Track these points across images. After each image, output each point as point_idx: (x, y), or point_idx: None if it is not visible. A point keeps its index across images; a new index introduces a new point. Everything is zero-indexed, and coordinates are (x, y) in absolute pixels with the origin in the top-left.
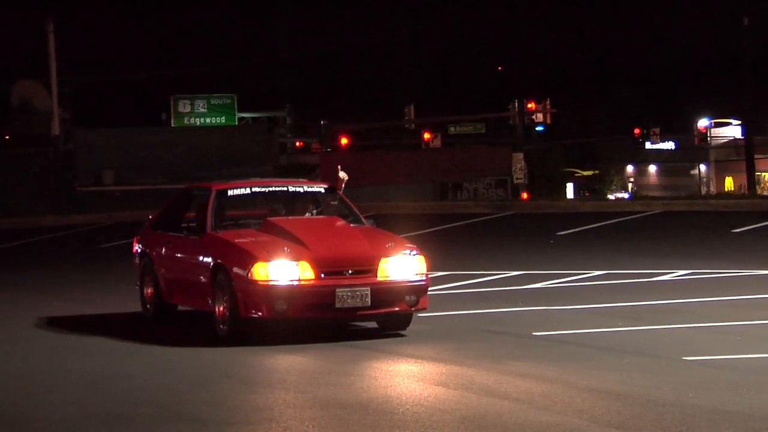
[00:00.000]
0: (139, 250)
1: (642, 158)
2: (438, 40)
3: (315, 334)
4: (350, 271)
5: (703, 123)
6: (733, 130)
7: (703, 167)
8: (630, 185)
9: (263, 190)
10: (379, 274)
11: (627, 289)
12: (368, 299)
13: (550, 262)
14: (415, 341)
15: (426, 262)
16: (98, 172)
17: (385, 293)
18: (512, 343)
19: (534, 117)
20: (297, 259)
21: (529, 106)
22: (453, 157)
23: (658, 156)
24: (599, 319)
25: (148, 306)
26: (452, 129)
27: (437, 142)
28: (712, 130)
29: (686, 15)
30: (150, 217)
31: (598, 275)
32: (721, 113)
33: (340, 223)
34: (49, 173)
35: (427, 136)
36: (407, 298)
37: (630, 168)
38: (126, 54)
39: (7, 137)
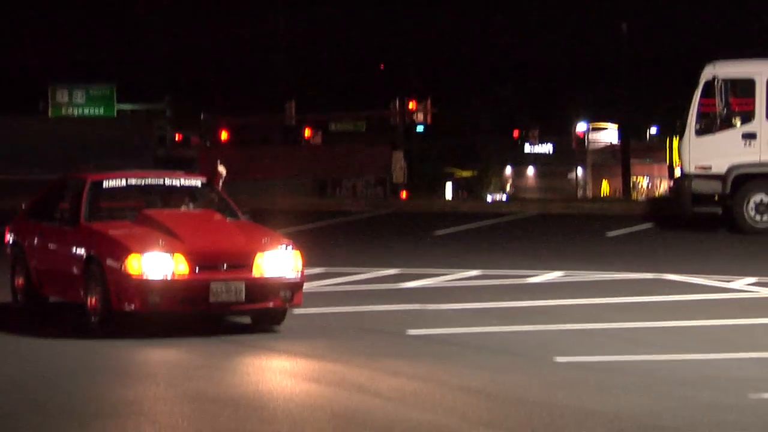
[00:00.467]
0: (10, 240)
1: (520, 160)
2: (318, 35)
3: (188, 328)
4: (225, 266)
5: (581, 127)
6: (610, 135)
7: (580, 170)
8: (508, 186)
9: (139, 182)
10: (254, 270)
11: (501, 289)
12: (243, 294)
13: (426, 261)
14: (288, 337)
15: (302, 258)
16: None
17: (260, 288)
18: (386, 340)
19: (415, 116)
20: (171, 252)
21: (410, 105)
22: (333, 154)
23: (536, 158)
24: (473, 318)
25: (19, 297)
26: (333, 126)
27: (317, 139)
28: (590, 134)
29: (566, 18)
30: (23, 206)
31: (473, 275)
32: (598, 117)
33: (217, 217)
34: None
35: (307, 132)
36: (282, 293)
37: (508, 169)
38: (2, 40)
39: None
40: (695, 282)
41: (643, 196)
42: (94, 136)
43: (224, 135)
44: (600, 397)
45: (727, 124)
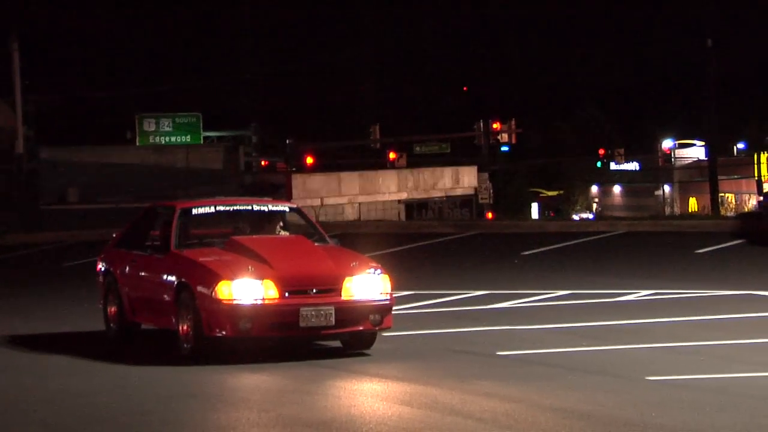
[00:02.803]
0: (102, 269)
1: (606, 179)
2: (401, 59)
3: (278, 353)
4: (314, 290)
5: (667, 144)
6: (696, 151)
7: (666, 188)
8: (594, 205)
9: (228, 208)
10: (343, 293)
11: (591, 309)
12: (332, 318)
13: (514, 281)
14: (378, 360)
15: (390, 281)
16: (62, 190)
17: (350, 312)
18: (477, 362)
19: (499, 137)
20: (261, 277)
21: (494, 126)
22: (418, 176)
23: (622, 176)
24: (563, 338)
25: (112, 324)
26: (418, 148)
27: (402, 162)
28: (676, 151)
29: (650, 37)
30: (114, 235)
31: (562, 295)
32: (684, 134)
33: (305, 242)
34: (12, 191)
35: (392, 155)
36: (371, 317)
37: (594, 188)
38: (90, 73)
39: None
40: None
41: (732, 212)
42: (181, 163)
43: (309, 160)
44: (694, 416)
45: None
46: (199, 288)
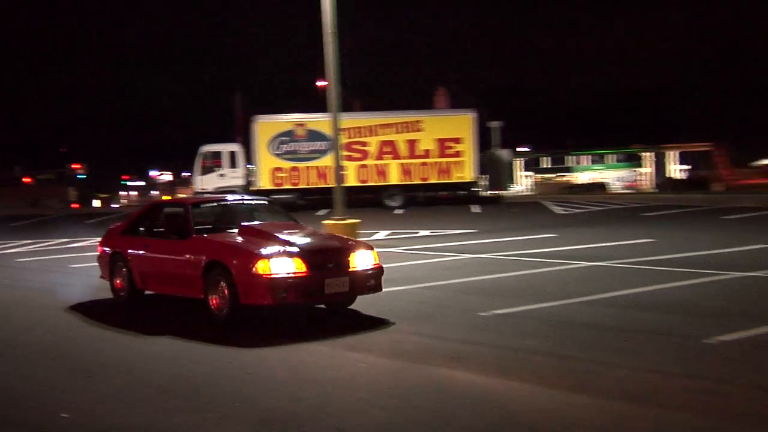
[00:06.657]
0: (107, 251)
1: None
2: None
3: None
4: (331, 265)
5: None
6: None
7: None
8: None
9: (225, 203)
10: (350, 266)
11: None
12: (347, 285)
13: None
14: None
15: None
16: None
17: (357, 280)
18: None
19: None
20: (292, 256)
21: None
22: None
23: None
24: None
25: (122, 293)
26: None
27: None
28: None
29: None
30: (112, 226)
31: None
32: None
33: (300, 226)
34: None
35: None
36: (370, 282)
37: None
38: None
39: None
40: None
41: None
42: None
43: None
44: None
45: (212, 170)
46: (236, 265)
